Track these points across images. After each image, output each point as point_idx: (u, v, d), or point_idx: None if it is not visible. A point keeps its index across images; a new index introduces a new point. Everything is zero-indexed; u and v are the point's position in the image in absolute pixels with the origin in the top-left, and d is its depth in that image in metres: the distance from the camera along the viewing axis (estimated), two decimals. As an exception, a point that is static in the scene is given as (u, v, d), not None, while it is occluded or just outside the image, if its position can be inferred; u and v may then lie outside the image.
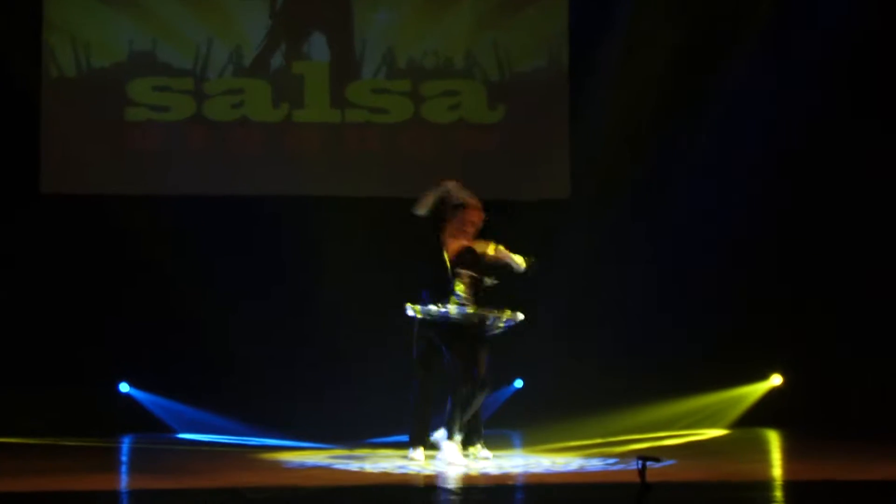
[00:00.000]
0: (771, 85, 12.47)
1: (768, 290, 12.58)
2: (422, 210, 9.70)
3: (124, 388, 12.18)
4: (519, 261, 9.72)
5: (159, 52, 12.33)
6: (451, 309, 9.46)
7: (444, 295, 9.51)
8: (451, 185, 9.74)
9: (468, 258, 9.61)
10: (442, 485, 8.52)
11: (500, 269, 9.69)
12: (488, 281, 9.62)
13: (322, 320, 12.12)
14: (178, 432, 11.98)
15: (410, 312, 9.52)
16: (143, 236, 12.06)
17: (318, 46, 12.52)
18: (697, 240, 12.45)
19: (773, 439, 11.78)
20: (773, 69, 12.48)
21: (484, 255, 9.64)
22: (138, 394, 12.16)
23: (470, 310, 9.47)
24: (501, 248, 9.71)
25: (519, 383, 12.54)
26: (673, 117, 12.46)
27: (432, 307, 9.47)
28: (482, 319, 9.51)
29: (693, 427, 12.19)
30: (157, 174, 12.28)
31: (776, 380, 12.71)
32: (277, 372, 12.07)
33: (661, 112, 12.44)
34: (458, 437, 9.50)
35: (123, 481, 9.17)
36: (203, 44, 12.37)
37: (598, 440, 10.87)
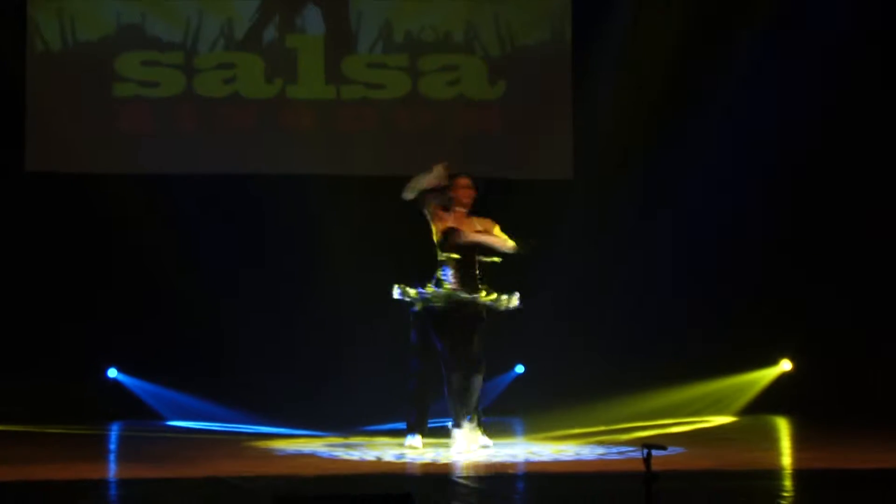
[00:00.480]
0: (781, 65, 12.45)
1: (778, 271, 12.57)
2: (410, 194, 9.67)
3: (112, 373, 12.16)
4: (500, 242, 9.64)
5: (148, 25, 12.26)
6: (429, 289, 9.48)
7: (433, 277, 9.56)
8: (439, 169, 9.69)
9: (451, 239, 9.59)
10: (440, 474, 8.50)
11: (487, 250, 9.63)
12: (487, 259, 9.61)
13: (317, 303, 12.10)
14: (168, 419, 11.96)
15: (397, 294, 9.56)
16: (132, 216, 12.02)
17: (313, 19, 12.44)
18: (705, 221, 12.44)
19: (783, 427, 11.79)
20: (783, 49, 12.45)
21: (462, 233, 9.57)
22: (126, 379, 12.14)
23: (444, 290, 9.45)
24: (479, 231, 9.64)
25: (520, 368, 12.54)
26: (681, 95, 12.42)
27: (410, 289, 9.50)
28: (464, 302, 9.49)
29: (700, 414, 12.18)
30: (145, 152, 12.22)
31: (786, 365, 12.71)
32: (270, 356, 12.04)
33: (668, 89, 12.40)
34: (467, 425, 9.48)
35: (111, 470, 9.18)
36: (193, 16, 12.31)
37: (602, 427, 10.87)
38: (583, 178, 12.49)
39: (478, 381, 9.59)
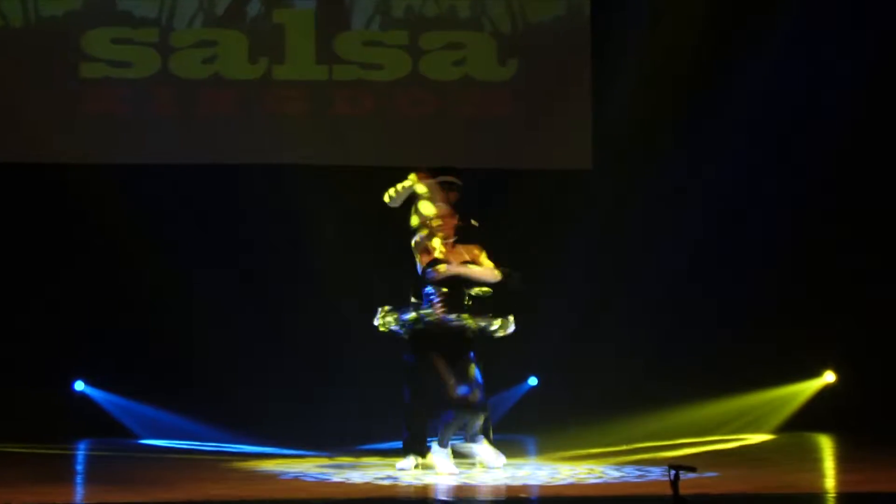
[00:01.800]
0: (811, 49, 12.47)
1: (820, 271, 12.56)
2: (394, 203, 9.73)
3: (79, 386, 12.17)
4: (486, 273, 9.66)
5: (119, -1, 12.31)
6: (413, 315, 9.52)
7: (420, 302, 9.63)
8: (418, 186, 9.74)
9: (434, 275, 9.62)
10: (442, 498, 8.52)
11: (473, 282, 9.65)
12: (476, 291, 9.64)
13: (305, 310, 12.11)
14: (141, 437, 11.98)
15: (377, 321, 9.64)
16: (101, 212, 12.04)
17: (302, -9, 12.52)
18: (736, 216, 12.47)
19: (826, 445, 11.78)
20: (813, 34, 12.47)
21: (441, 268, 9.60)
22: (95, 393, 12.15)
23: (433, 316, 9.48)
24: (466, 261, 9.66)
25: (533, 381, 12.55)
26: (709, 77, 12.42)
27: (389, 316, 9.53)
28: (451, 328, 9.51)
29: (733, 432, 12.19)
30: (115, 140, 12.23)
31: (829, 377, 12.71)
32: (253, 369, 12.06)
33: (696, 69, 12.40)
34: (449, 445, 9.52)
35: (79, 494, 9.17)
36: (170, -12, 12.38)
37: (624, 447, 10.87)
38: (602, 169, 12.47)
39: (478, 420, 9.59)
